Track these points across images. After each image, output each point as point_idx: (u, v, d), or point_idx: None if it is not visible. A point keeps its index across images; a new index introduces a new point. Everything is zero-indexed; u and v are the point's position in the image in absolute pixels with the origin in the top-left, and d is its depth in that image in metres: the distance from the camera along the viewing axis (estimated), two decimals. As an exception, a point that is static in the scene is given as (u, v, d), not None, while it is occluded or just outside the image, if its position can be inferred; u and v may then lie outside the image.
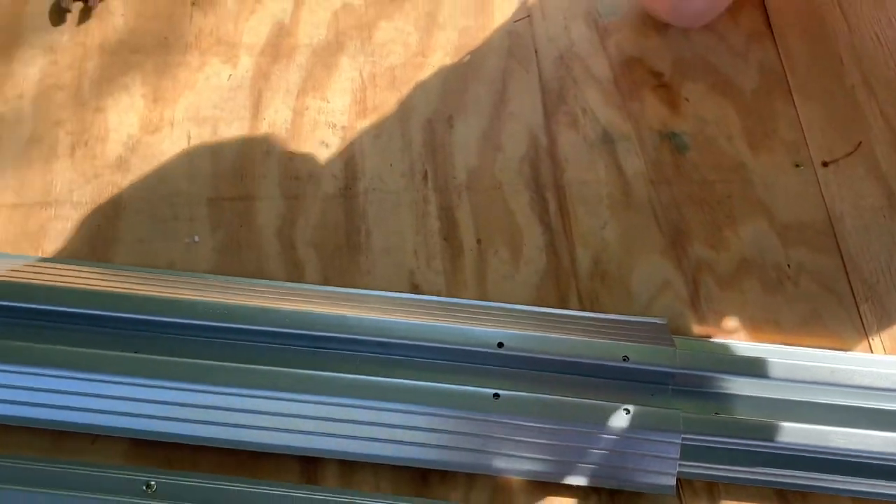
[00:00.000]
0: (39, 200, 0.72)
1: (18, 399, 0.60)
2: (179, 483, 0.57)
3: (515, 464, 0.59)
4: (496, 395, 0.60)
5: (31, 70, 0.79)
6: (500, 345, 0.62)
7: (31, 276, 0.65)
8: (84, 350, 0.62)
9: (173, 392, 0.60)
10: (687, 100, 0.78)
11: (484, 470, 0.59)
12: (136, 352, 0.62)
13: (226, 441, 0.59)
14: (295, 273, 0.69)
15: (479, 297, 0.68)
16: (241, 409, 0.60)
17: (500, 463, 0.59)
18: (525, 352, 0.62)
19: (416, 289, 0.69)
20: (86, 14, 0.83)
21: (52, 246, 0.69)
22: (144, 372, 0.61)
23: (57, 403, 0.60)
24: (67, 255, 0.69)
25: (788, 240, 0.72)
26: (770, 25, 0.83)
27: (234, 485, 0.58)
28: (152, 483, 0.56)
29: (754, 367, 0.64)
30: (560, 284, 0.69)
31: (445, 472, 0.60)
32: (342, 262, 0.70)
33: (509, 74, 0.80)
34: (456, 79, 0.80)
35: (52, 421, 0.60)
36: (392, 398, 0.60)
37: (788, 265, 0.71)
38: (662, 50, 0.81)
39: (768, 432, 0.60)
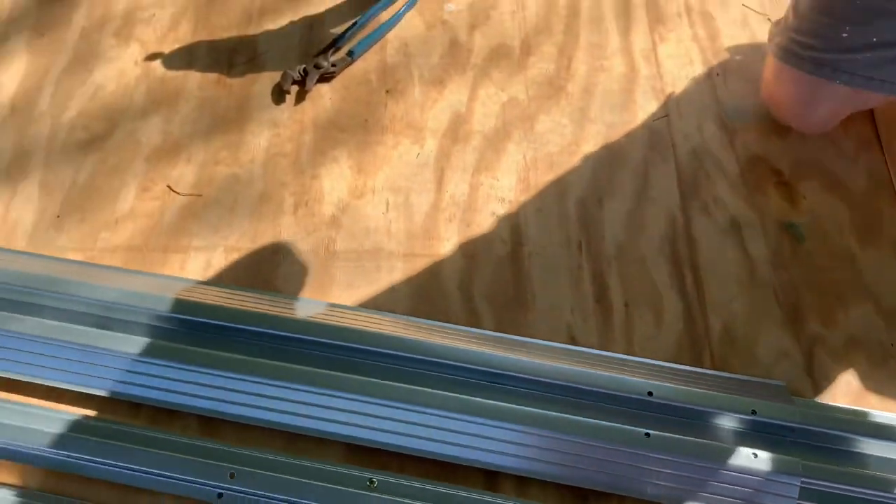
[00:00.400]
0: (271, 247, 0.90)
1: (262, 405, 0.77)
2: (395, 482, 0.72)
3: (661, 490, 0.72)
4: (647, 434, 0.74)
5: (259, 140, 0.98)
6: (650, 393, 0.76)
7: (274, 309, 0.83)
8: (314, 370, 0.78)
9: (386, 409, 0.76)
10: (804, 197, 0.92)
11: (635, 493, 0.73)
12: (353, 373, 0.78)
13: (426, 452, 0.75)
14: (473, 320, 0.85)
15: (626, 351, 0.82)
16: (438, 426, 0.75)
17: (648, 489, 0.72)
18: (671, 401, 0.75)
19: (573, 341, 0.83)
20: (301, 96, 1.02)
21: (281, 285, 0.87)
22: (362, 390, 0.77)
23: (292, 411, 0.77)
24: (293, 293, 0.86)
25: (892, 323, 0.84)
26: (878, 135, 0.96)
27: (434, 486, 0.73)
28: (374, 480, 0.72)
29: (861, 428, 0.76)
30: (695, 346, 0.82)
31: (602, 492, 0.73)
32: (511, 314, 0.85)
33: (650, 164, 0.95)
34: (604, 166, 0.95)
35: (288, 425, 0.77)
36: (559, 428, 0.75)
37: (892, 344, 0.83)
38: (783, 151, 0.96)
39: (872, 482, 0.72)
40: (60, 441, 0.75)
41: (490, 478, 0.75)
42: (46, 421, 0.76)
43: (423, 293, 0.86)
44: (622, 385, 0.77)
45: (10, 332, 0.80)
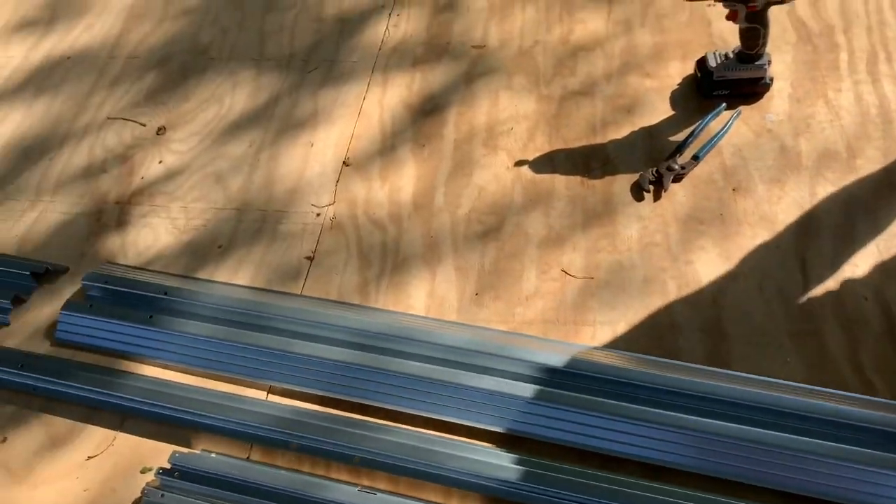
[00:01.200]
0: (666, 322, 1.04)
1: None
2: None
3: None
4: None
5: (630, 231, 1.15)
6: None
7: (692, 376, 0.96)
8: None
9: (751, 449, 0.88)
10: None
11: None
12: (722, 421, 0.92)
13: (784, 485, 0.88)
14: (867, 389, 0.95)
15: None
16: (801, 468, 0.87)
17: None
18: None
19: (968, 411, 0.92)
20: (657, 194, 1.19)
21: (685, 354, 1.01)
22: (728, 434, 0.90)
23: (657, 447, 0.91)
24: (695, 361, 1.00)
25: None
26: None
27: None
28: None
29: None
30: None
31: None
32: (902, 385, 0.95)
33: None
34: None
35: (650, 458, 0.91)
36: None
37: None
38: None
39: None
40: (515, 475, 0.90)
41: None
42: (493, 457, 0.93)
43: (816, 366, 0.98)
44: None
45: (469, 387, 0.98)
